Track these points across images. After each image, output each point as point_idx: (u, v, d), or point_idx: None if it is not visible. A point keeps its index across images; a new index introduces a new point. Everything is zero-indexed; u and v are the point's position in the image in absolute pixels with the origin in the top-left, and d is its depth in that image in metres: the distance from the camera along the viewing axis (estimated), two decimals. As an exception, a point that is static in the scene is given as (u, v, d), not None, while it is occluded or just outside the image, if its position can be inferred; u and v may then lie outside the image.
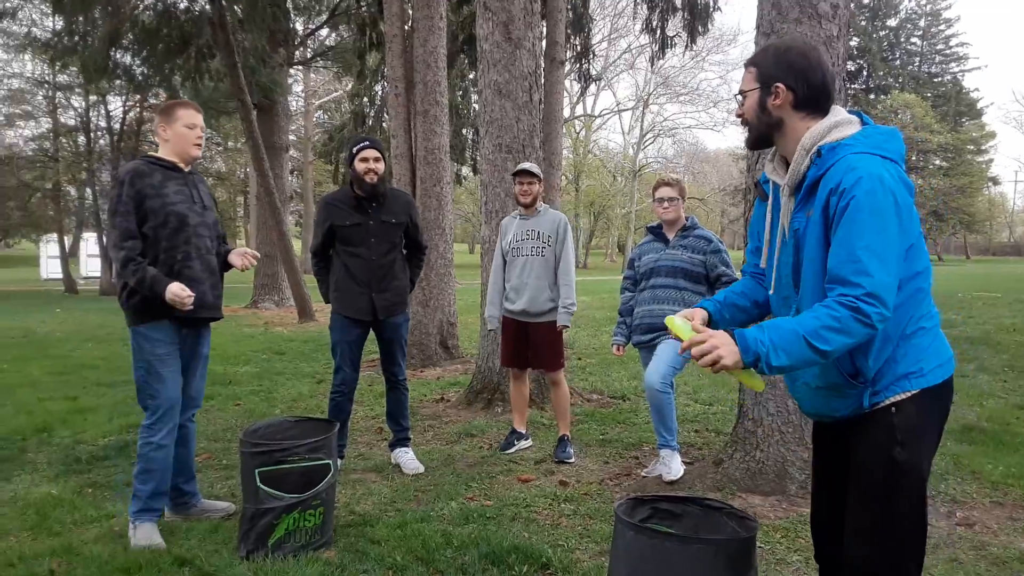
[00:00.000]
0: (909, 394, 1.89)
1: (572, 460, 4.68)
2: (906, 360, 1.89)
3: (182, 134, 3.47)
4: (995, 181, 54.09)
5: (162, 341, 3.41)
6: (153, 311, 3.37)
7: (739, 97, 2.04)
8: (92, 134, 22.10)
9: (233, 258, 3.67)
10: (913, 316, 1.88)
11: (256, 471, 3.17)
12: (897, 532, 1.89)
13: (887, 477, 1.89)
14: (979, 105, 50.67)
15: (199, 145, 3.53)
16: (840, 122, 1.93)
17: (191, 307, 3.34)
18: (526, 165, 4.84)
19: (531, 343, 4.82)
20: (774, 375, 1.88)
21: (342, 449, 4.49)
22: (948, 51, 50.19)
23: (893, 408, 1.89)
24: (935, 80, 50.01)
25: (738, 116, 2.06)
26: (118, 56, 14.44)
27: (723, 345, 1.81)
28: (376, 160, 4.32)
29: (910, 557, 1.91)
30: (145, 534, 3.32)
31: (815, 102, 1.95)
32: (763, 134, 2.02)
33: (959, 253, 57.69)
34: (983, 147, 49.68)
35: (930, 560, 3.15)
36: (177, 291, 3.28)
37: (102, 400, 6.53)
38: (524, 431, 5.01)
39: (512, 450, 4.87)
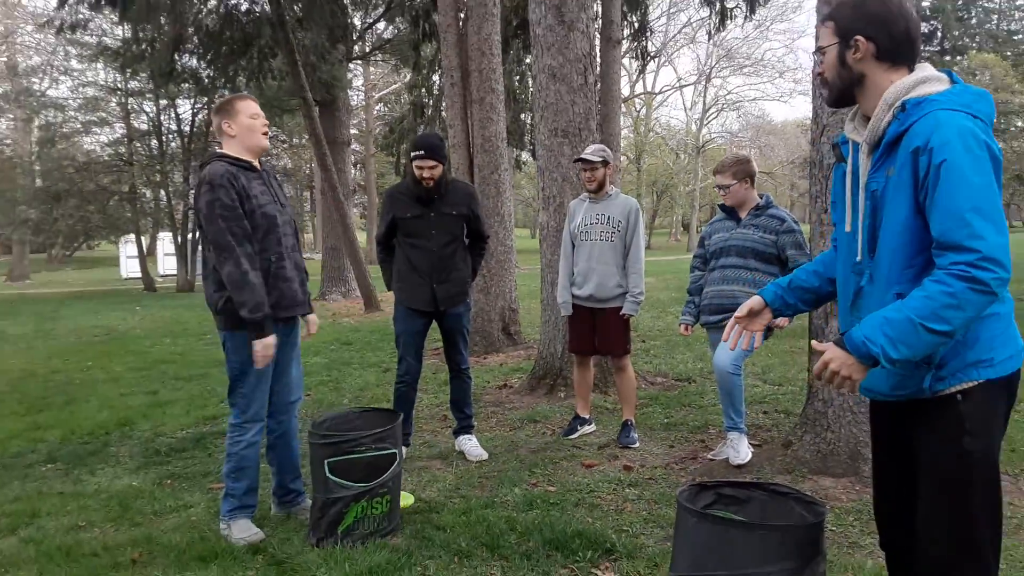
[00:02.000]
0: (976, 383, 1.77)
1: (636, 445, 4.64)
2: (977, 346, 1.77)
3: (248, 125, 3.33)
4: (1084, 141, 51.11)
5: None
6: None
7: (817, 56, 1.95)
8: (164, 137, 22.85)
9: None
10: None
11: (325, 462, 3.25)
12: (973, 524, 1.79)
13: (960, 468, 1.79)
14: (1065, 62, 47.84)
15: (267, 134, 3.40)
16: (928, 78, 1.81)
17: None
18: (585, 153, 4.71)
19: (598, 329, 4.76)
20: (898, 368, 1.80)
21: (407, 437, 4.56)
22: (1030, 6, 47.49)
23: (959, 396, 1.78)
24: (1015, 38, 47.38)
25: (817, 75, 1.97)
26: (184, 60, 14.92)
27: (836, 359, 1.77)
28: (432, 168, 4.29)
29: (988, 547, 1.81)
30: (242, 529, 3.34)
31: (898, 53, 1.84)
32: (844, 91, 1.92)
33: (1048, 219, 54.79)
34: (1070, 106, 46.96)
35: (1011, 541, 3.02)
36: (261, 349, 3.23)
37: (179, 394, 6.79)
38: (587, 416, 4.99)
39: (575, 435, 4.86)
